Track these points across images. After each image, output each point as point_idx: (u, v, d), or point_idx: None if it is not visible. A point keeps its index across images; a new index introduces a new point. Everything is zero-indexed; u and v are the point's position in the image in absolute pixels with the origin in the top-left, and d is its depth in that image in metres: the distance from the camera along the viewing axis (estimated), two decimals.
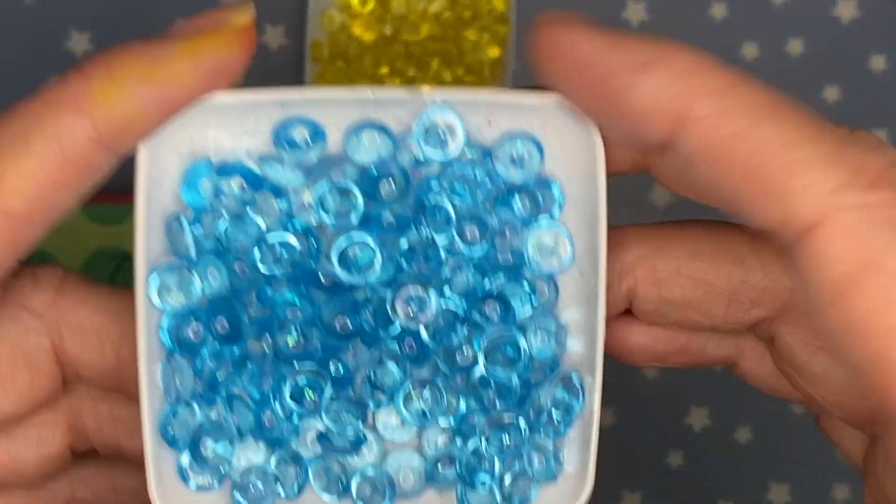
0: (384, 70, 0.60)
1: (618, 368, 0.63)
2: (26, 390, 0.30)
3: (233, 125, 0.27)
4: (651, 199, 0.62)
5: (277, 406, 0.27)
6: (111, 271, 0.60)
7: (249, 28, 0.27)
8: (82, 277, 0.32)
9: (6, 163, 0.27)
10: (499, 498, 0.28)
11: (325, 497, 0.28)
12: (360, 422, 0.28)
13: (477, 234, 0.27)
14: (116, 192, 0.63)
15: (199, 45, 0.27)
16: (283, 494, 0.28)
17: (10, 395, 0.29)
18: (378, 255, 0.26)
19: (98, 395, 0.31)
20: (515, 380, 0.28)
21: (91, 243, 0.60)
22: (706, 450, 0.61)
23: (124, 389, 0.30)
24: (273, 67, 0.62)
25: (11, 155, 0.27)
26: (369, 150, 0.27)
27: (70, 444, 0.32)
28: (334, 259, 0.27)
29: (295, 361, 0.27)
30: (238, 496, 0.28)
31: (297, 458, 0.28)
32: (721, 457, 0.61)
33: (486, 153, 0.27)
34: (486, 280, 0.27)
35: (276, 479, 0.28)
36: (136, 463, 0.29)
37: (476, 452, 0.28)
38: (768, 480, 0.61)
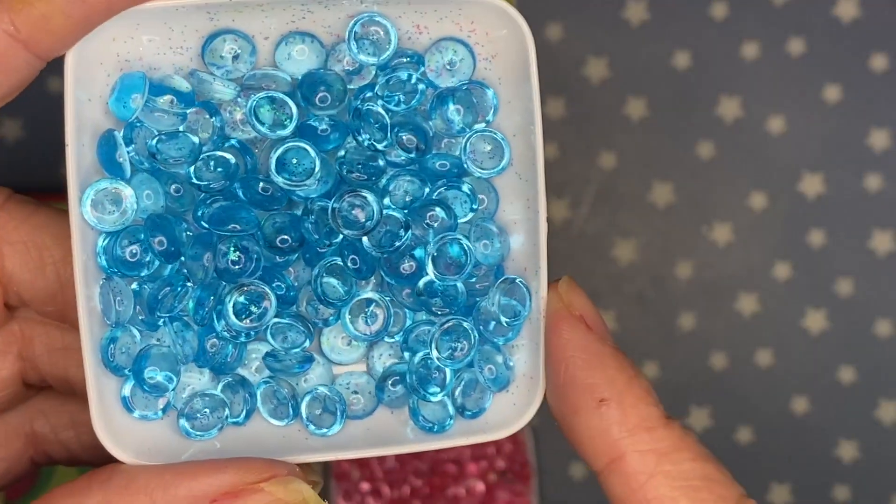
0: None
1: None
2: None
3: (160, 37, 0.26)
4: (651, 199, 0.62)
5: (222, 327, 0.26)
6: None
7: None
8: (27, 199, 0.32)
9: None
10: (451, 409, 0.27)
11: (274, 421, 0.27)
12: (307, 340, 0.26)
13: (414, 140, 0.26)
14: None
15: None
16: (230, 421, 0.27)
17: None
18: (317, 160, 0.25)
19: (48, 323, 0.30)
20: (462, 286, 0.27)
21: None
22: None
23: (67, 316, 0.29)
24: None
25: None
26: (300, 60, 0.26)
27: (21, 373, 0.30)
28: (272, 166, 0.25)
29: (236, 278, 0.26)
30: (185, 424, 0.26)
31: (243, 383, 0.27)
32: (721, 457, 0.61)
33: (419, 59, 0.26)
34: (426, 187, 0.26)
35: (224, 404, 0.26)
36: (84, 394, 0.27)
37: (425, 365, 0.27)
38: (769, 481, 0.61)
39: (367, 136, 0.25)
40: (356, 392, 0.27)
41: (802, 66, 0.62)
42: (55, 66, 0.63)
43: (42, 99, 0.62)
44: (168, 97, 0.26)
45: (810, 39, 0.62)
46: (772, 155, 0.62)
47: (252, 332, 0.26)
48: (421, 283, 0.26)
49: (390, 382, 0.27)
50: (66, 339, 0.30)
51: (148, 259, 0.26)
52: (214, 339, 0.26)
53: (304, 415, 0.26)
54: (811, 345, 0.62)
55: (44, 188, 0.61)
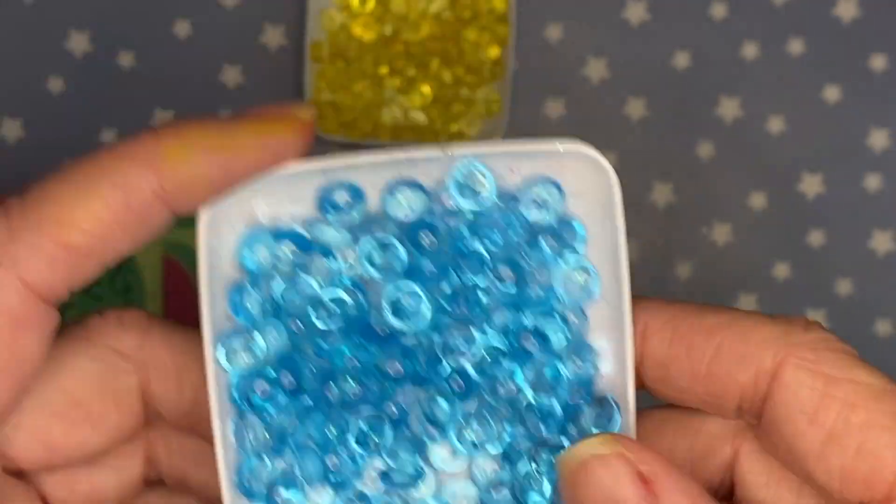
0: (384, 70, 0.60)
1: None
2: (115, 427, 0.31)
3: (279, 193, 0.30)
4: (651, 199, 0.62)
5: (342, 450, 0.29)
6: (111, 271, 0.60)
7: (310, 122, 0.31)
8: (163, 320, 0.34)
9: (75, 201, 0.29)
10: None
11: None
12: (417, 457, 0.30)
13: (510, 274, 0.29)
14: None
15: (265, 127, 0.30)
16: None
17: (100, 432, 0.31)
18: (426, 301, 0.29)
19: (172, 428, 0.33)
20: (557, 405, 0.30)
21: None
22: None
23: (198, 428, 0.31)
24: (273, 67, 0.62)
25: (81, 195, 0.29)
26: (405, 206, 0.29)
27: (145, 475, 0.33)
28: (386, 309, 0.29)
29: (355, 407, 0.29)
30: None
31: (362, 497, 0.30)
32: None
33: (512, 198, 0.29)
34: (523, 316, 0.29)
35: None
36: (199, 494, 0.32)
37: (526, 475, 0.30)
38: None
39: (469, 273, 0.29)
40: (462, 499, 0.30)
41: (802, 67, 0.62)
42: (56, 66, 0.64)
43: (42, 99, 0.62)
44: (289, 246, 0.29)
45: (810, 40, 0.62)
46: (771, 155, 0.62)
47: (371, 455, 0.30)
48: (519, 402, 0.30)
49: (493, 491, 0.30)
50: (185, 443, 0.33)
51: (278, 395, 0.29)
52: (335, 459, 0.30)
53: None
54: None
55: None
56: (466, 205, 0.29)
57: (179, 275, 0.60)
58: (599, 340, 0.30)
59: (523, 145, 0.29)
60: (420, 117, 0.60)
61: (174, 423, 0.32)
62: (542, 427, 0.30)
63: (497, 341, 0.29)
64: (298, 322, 0.29)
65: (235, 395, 0.30)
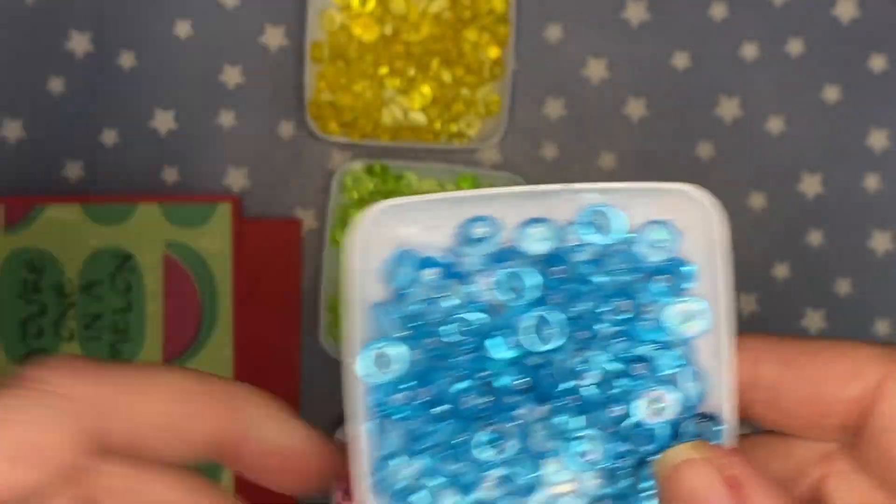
0: (384, 70, 0.60)
1: None
2: (58, 467, 0.31)
3: (424, 221, 0.33)
4: None
5: (468, 457, 0.32)
6: (112, 271, 0.60)
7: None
8: (96, 359, 0.34)
9: None
10: None
11: None
12: (533, 469, 0.32)
13: (628, 306, 0.32)
14: (116, 193, 0.64)
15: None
16: None
17: (44, 472, 0.31)
18: (561, 328, 0.32)
19: (117, 464, 0.33)
20: (662, 427, 0.32)
21: (91, 243, 0.60)
22: None
23: (145, 456, 0.32)
24: (273, 68, 0.62)
25: None
26: (537, 240, 0.33)
27: None
28: (523, 331, 0.32)
29: (482, 419, 0.32)
30: None
31: (480, 502, 0.33)
32: None
33: (630, 237, 0.33)
34: (635, 345, 0.33)
35: None
36: None
37: (628, 490, 0.32)
38: None
39: (593, 303, 0.32)
40: None
41: (801, 67, 0.62)
42: (57, 67, 0.64)
43: (43, 99, 0.62)
44: (431, 270, 0.32)
45: (809, 40, 0.62)
46: (771, 155, 0.62)
47: (494, 464, 0.32)
48: (628, 423, 0.32)
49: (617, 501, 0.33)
50: (129, 479, 0.33)
51: (412, 405, 0.32)
52: (463, 465, 0.32)
53: None
54: None
55: (44, 189, 0.62)
56: (593, 239, 0.33)
57: (180, 274, 0.60)
58: (705, 368, 0.32)
59: (640, 185, 0.33)
60: (420, 118, 0.61)
61: (122, 455, 0.32)
62: (647, 447, 0.32)
63: (612, 366, 0.32)
64: (436, 339, 0.32)
65: (375, 404, 0.32)
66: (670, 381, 0.32)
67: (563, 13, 0.62)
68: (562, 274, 0.33)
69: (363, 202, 0.60)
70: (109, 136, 0.62)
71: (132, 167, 0.62)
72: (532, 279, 0.32)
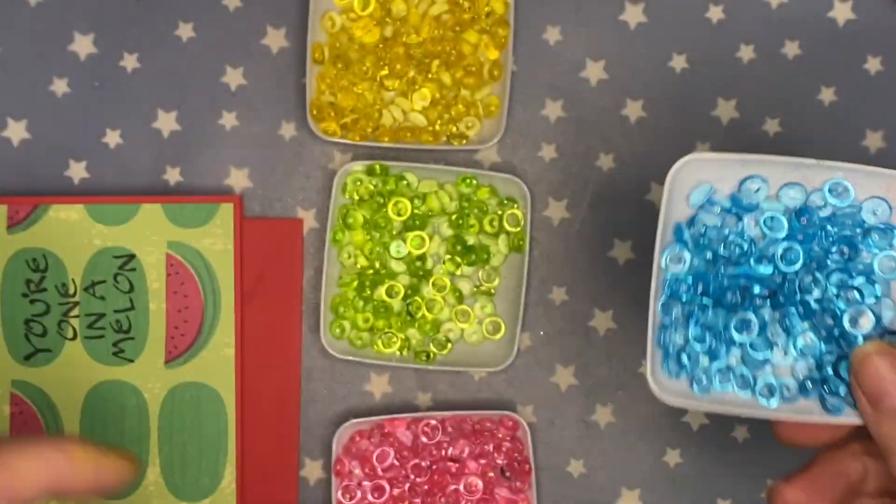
0: (384, 72, 0.61)
1: (614, 368, 0.64)
2: None
3: (716, 168, 0.48)
4: (649, 199, 0.62)
5: (723, 336, 0.48)
6: (115, 270, 0.60)
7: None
8: (21, 438, 0.48)
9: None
10: (846, 403, 0.47)
11: (739, 392, 0.48)
12: (767, 351, 0.48)
13: (848, 251, 0.48)
14: (119, 193, 0.64)
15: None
16: (717, 388, 0.48)
17: None
18: (801, 256, 0.48)
19: None
20: (860, 336, 0.47)
21: (95, 243, 0.60)
22: (704, 448, 0.62)
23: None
24: (274, 69, 0.62)
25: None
26: (792, 196, 0.48)
27: None
28: (778, 255, 0.48)
29: (737, 310, 0.48)
30: (694, 385, 0.48)
31: (729, 368, 0.48)
32: (719, 455, 0.62)
33: (858, 204, 0.48)
34: (851, 278, 0.47)
35: (709, 377, 0.48)
36: None
37: (830, 377, 0.47)
38: (765, 478, 0.62)
39: (825, 245, 0.48)
40: (787, 388, 0.48)
41: (797, 69, 0.62)
42: (60, 68, 0.64)
43: (47, 101, 0.62)
44: (717, 207, 0.48)
45: (805, 42, 0.62)
46: None
47: (745, 345, 0.48)
48: (837, 330, 0.47)
49: (809, 382, 0.48)
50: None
51: (694, 297, 0.48)
52: (717, 341, 0.48)
53: (757, 391, 0.48)
54: None
55: (48, 190, 0.62)
56: (834, 202, 0.48)
57: (183, 274, 0.61)
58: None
59: (871, 168, 0.48)
60: (420, 119, 0.61)
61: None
62: (847, 350, 0.47)
63: (832, 290, 0.47)
64: (717, 251, 0.48)
65: (668, 288, 0.48)
66: (872, 307, 0.47)
67: (561, 16, 0.63)
68: (806, 223, 0.48)
69: (364, 202, 0.61)
70: (112, 137, 0.62)
71: (135, 168, 0.62)
72: (785, 223, 0.48)
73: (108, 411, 0.60)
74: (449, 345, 0.61)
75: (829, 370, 0.47)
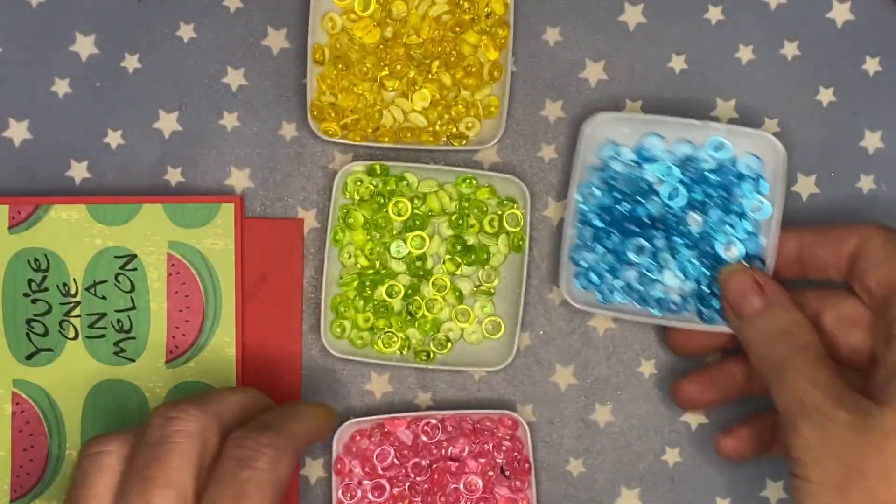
0: (384, 73, 0.61)
1: (614, 368, 0.64)
2: None
3: (623, 125, 0.59)
4: None
5: (624, 256, 0.59)
6: (116, 270, 0.61)
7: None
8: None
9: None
10: (720, 316, 0.58)
11: (636, 305, 0.59)
12: (659, 273, 0.59)
13: (725, 195, 0.59)
14: (120, 193, 0.64)
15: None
16: (617, 300, 0.59)
17: None
18: (686, 196, 0.58)
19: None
20: (733, 260, 0.58)
21: (96, 243, 0.61)
22: (703, 447, 0.62)
23: None
24: (276, 70, 0.62)
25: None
26: (682, 150, 0.59)
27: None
28: (665, 195, 0.58)
29: (635, 237, 0.58)
30: (599, 297, 0.59)
31: (630, 286, 0.59)
32: (717, 454, 0.62)
33: (733, 158, 0.59)
34: (726, 215, 0.58)
35: (611, 291, 0.59)
36: None
37: (707, 293, 0.58)
38: (764, 478, 0.62)
39: (707, 190, 0.59)
40: (674, 304, 0.59)
41: (796, 69, 0.62)
42: (62, 69, 0.64)
43: (49, 101, 0.62)
44: (623, 156, 0.59)
45: (804, 42, 0.62)
46: None
47: (640, 265, 0.59)
48: (715, 253, 0.59)
49: (690, 300, 0.59)
50: None
51: (599, 221, 0.59)
52: (618, 260, 0.59)
53: (650, 304, 0.59)
54: None
55: (49, 190, 0.62)
56: (716, 155, 0.59)
57: (184, 274, 0.61)
58: (763, 235, 0.58)
59: (745, 129, 0.59)
60: (420, 119, 0.61)
61: None
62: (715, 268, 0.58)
63: (711, 224, 0.58)
64: (622, 191, 0.59)
65: (583, 217, 0.59)
66: (741, 240, 0.58)
67: (561, 16, 0.63)
68: (692, 171, 0.59)
69: (364, 203, 0.61)
70: (114, 138, 0.62)
71: (136, 168, 0.62)
72: (676, 171, 0.59)
73: (110, 411, 0.60)
74: (449, 344, 0.61)
75: (706, 288, 0.58)
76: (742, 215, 0.58)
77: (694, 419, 0.62)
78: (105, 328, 0.60)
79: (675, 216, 0.59)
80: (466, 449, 0.60)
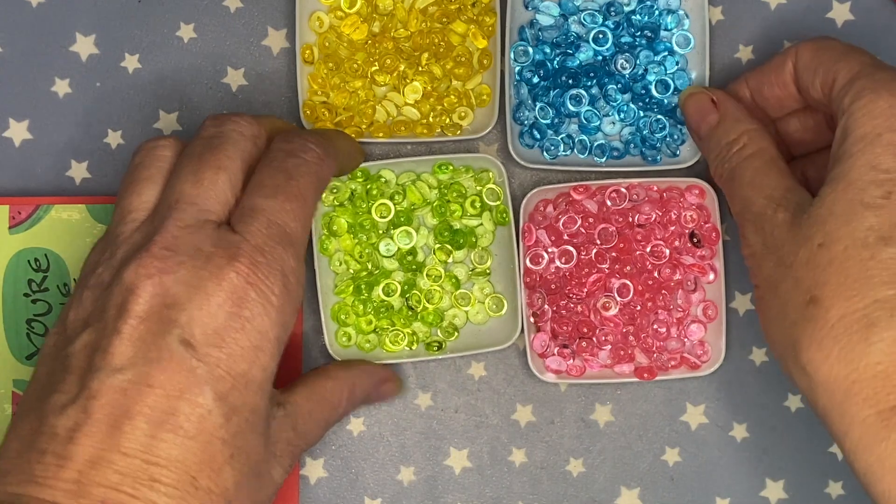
0: (375, 68, 0.61)
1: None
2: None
3: None
4: None
5: (563, 109, 0.61)
6: None
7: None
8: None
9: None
10: (660, 157, 0.61)
11: (580, 155, 0.61)
12: (597, 119, 0.61)
13: (651, 35, 0.61)
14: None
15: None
16: (562, 153, 0.61)
17: None
18: (611, 37, 0.60)
19: None
20: (667, 99, 0.61)
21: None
22: (702, 447, 0.62)
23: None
24: (276, 70, 0.62)
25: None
26: None
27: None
28: (591, 38, 0.61)
29: (570, 88, 0.61)
30: (545, 153, 0.61)
31: (569, 137, 0.61)
32: (717, 454, 0.62)
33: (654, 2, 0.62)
34: (655, 54, 0.61)
35: (555, 146, 0.61)
36: None
37: (647, 133, 0.61)
38: (764, 477, 0.62)
39: (633, 32, 0.61)
40: (616, 145, 0.61)
41: None
42: (62, 69, 0.64)
43: (49, 101, 0.62)
44: (551, 10, 0.61)
45: None
46: None
47: (569, 110, 0.61)
48: (650, 97, 0.61)
49: (630, 145, 0.61)
50: None
51: (535, 78, 0.61)
52: (554, 112, 0.61)
53: (591, 151, 0.61)
54: None
55: (49, 190, 0.62)
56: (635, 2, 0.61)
57: None
58: (693, 70, 0.61)
59: None
60: (413, 112, 0.61)
61: None
62: (659, 110, 0.61)
63: (641, 65, 0.61)
64: (553, 45, 0.61)
65: (518, 76, 0.61)
66: (673, 77, 0.60)
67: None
68: (614, 14, 0.61)
69: (345, 207, 0.60)
70: (114, 138, 0.62)
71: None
72: (600, 18, 0.61)
73: None
74: (456, 333, 0.61)
75: (646, 130, 0.61)
76: (671, 52, 0.60)
77: (694, 419, 0.62)
78: None
79: (606, 62, 0.61)
80: (654, 216, 0.59)
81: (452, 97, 0.61)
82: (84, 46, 0.62)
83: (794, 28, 0.62)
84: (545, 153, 0.61)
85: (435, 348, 0.61)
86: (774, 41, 0.62)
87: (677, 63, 0.61)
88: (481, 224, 0.61)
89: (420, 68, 0.61)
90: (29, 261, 0.60)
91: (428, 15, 0.61)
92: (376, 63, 0.61)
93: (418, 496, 0.62)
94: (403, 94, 0.61)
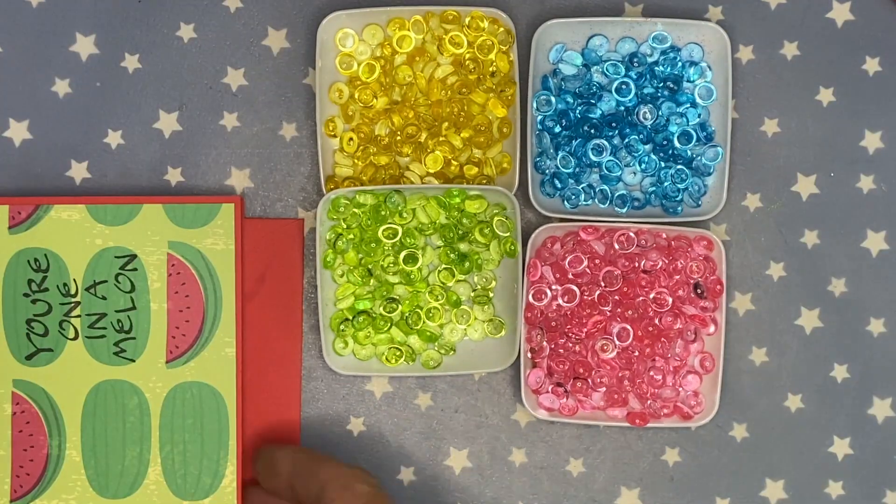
0: (397, 138, 0.61)
1: None
2: None
3: (569, 30, 0.61)
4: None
5: (584, 158, 0.61)
6: (116, 270, 0.61)
7: None
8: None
9: None
10: (682, 208, 0.61)
11: (599, 205, 0.61)
12: (620, 171, 0.61)
13: (673, 86, 0.61)
14: (120, 193, 0.64)
15: None
16: (583, 202, 0.61)
17: None
18: (633, 88, 0.61)
19: None
20: (688, 152, 0.61)
21: (96, 243, 0.61)
22: (702, 447, 0.62)
23: None
24: (276, 70, 0.62)
25: None
26: (626, 48, 0.61)
27: None
28: (613, 89, 0.61)
29: (592, 139, 0.61)
30: (566, 203, 0.61)
31: (590, 187, 0.61)
32: (717, 454, 0.62)
33: (675, 49, 0.62)
34: (677, 105, 0.61)
35: (576, 195, 0.61)
36: None
37: (669, 187, 0.61)
38: (764, 477, 0.62)
39: (656, 84, 0.61)
40: (636, 201, 0.61)
41: (796, 70, 0.63)
42: (62, 69, 0.64)
43: (49, 101, 0.62)
44: (571, 59, 0.61)
45: (804, 43, 0.63)
46: (766, 157, 0.63)
47: (590, 160, 0.61)
48: (672, 150, 0.61)
49: (653, 196, 0.62)
50: None
51: (557, 128, 0.61)
52: (579, 164, 0.61)
53: (612, 201, 0.62)
54: (805, 343, 0.62)
55: (49, 190, 0.62)
56: (656, 46, 0.61)
57: (184, 274, 0.61)
58: (714, 123, 0.61)
59: (684, 21, 0.61)
60: (435, 181, 0.61)
61: None
62: (681, 161, 0.61)
63: (663, 116, 0.61)
64: (575, 95, 0.61)
65: (540, 125, 0.61)
66: (696, 129, 0.61)
67: (561, 17, 0.63)
68: (637, 65, 0.61)
69: (352, 228, 0.60)
70: (114, 138, 0.62)
71: (136, 168, 0.62)
72: (622, 68, 0.61)
73: (110, 411, 0.60)
74: (453, 351, 0.61)
75: (667, 181, 0.61)
76: (693, 104, 0.61)
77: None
78: (105, 328, 0.60)
79: (628, 112, 0.61)
80: (660, 263, 0.60)
81: (473, 165, 0.61)
82: (84, 46, 0.62)
83: (795, 28, 0.62)
84: (566, 202, 0.61)
85: (431, 365, 0.61)
86: (774, 41, 0.63)
87: (699, 115, 0.61)
88: (488, 251, 0.61)
89: (440, 138, 0.61)
90: (29, 261, 0.60)
91: (447, 85, 0.61)
92: (398, 133, 0.61)
93: (418, 496, 0.62)
94: (425, 164, 0.61)
